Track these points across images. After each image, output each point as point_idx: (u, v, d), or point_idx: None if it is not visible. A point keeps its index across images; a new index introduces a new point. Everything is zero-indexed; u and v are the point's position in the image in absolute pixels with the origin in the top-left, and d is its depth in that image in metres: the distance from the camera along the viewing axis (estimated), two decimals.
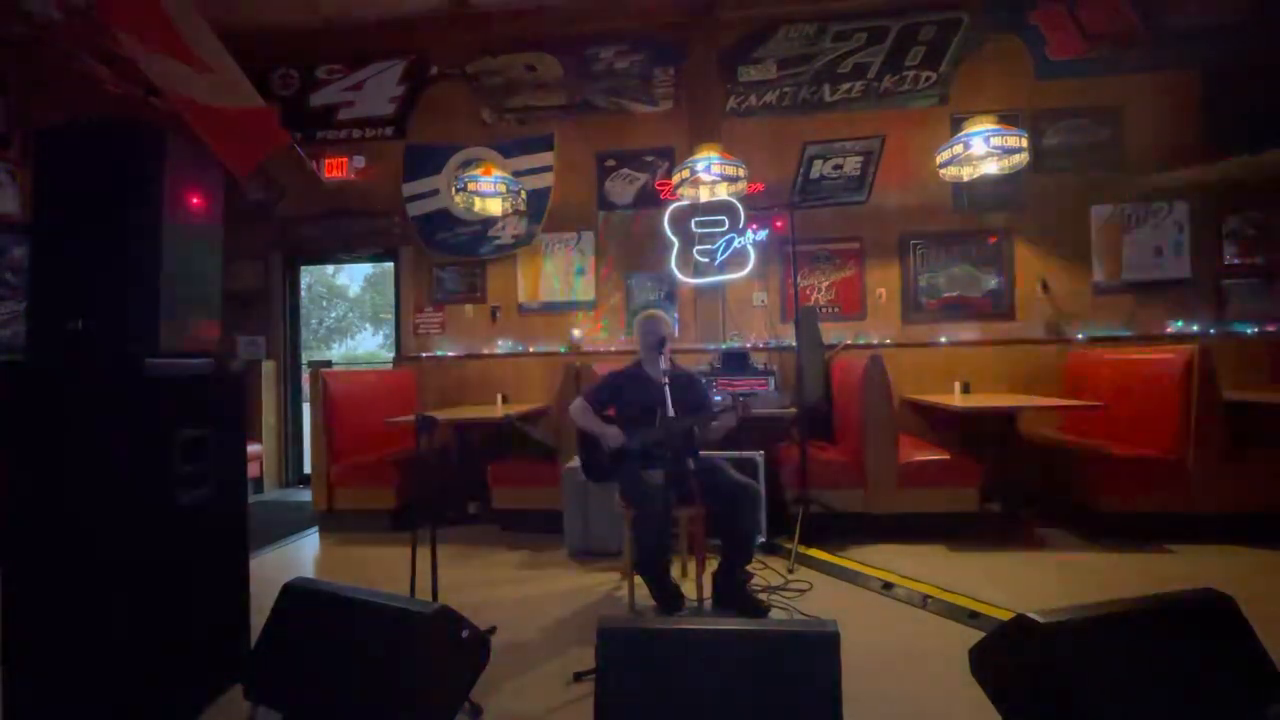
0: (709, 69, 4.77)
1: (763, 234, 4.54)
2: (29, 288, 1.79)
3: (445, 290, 5.08)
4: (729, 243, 4.61)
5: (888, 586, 2.77)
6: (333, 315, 24.02)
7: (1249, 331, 4.15)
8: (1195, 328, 4.21)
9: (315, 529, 4.01)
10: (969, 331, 4.46)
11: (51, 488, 1.69)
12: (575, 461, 3.02)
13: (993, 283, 4.48)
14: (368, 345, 24.24)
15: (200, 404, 1.92)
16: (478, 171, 4.33)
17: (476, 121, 5.06)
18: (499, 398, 4.61)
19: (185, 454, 1.85)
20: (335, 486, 3.99)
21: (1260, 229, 4.22)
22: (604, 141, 4.92)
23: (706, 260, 4.67)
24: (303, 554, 3.61)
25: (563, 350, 4.82)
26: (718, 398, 2.61)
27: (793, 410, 3.70)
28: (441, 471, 4.20)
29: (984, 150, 3.55)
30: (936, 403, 3.76)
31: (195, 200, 1.93)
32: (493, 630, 2.30)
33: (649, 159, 4.87)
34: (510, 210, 4.59)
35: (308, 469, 4.55)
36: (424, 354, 5.02)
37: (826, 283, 4.65)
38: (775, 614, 2.48)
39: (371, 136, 5.17)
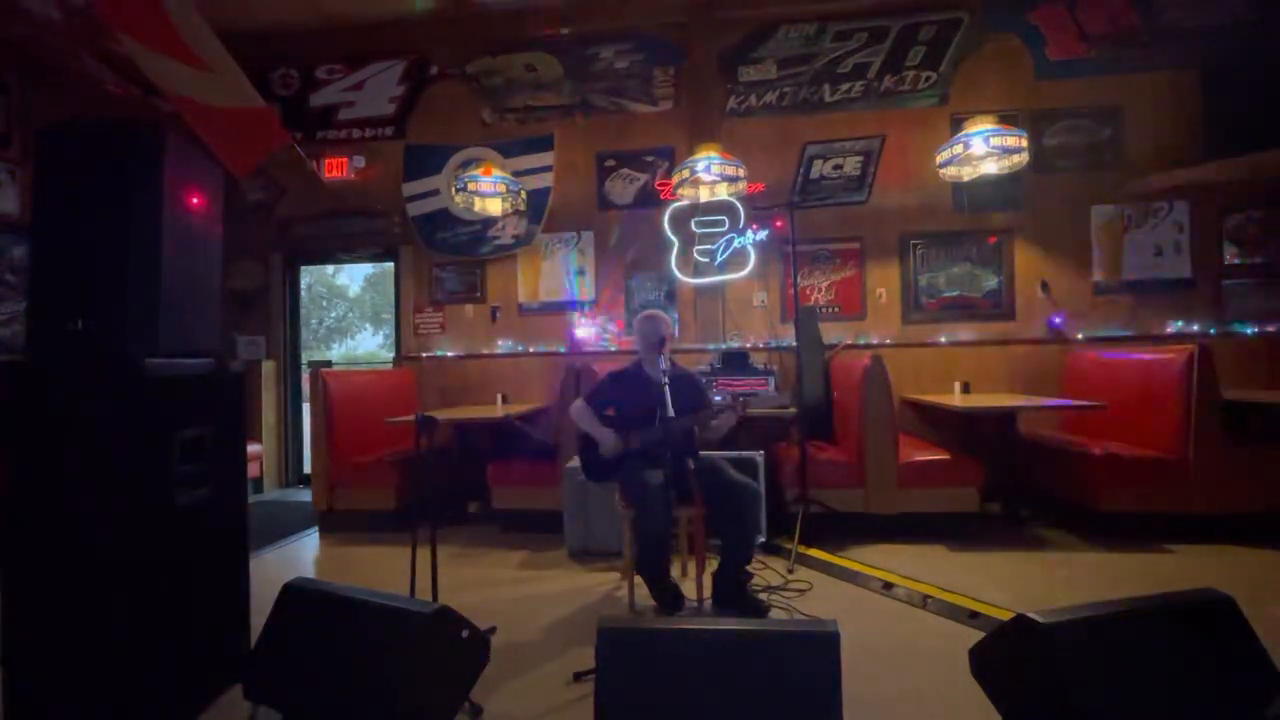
0: (709, 69, 4.77)
1: (763, 234, 4.54)
2: (29, 288, 1.79)
3: (445, 290, 5.08)
4: (729, 243, 4.61)
5: (888, 586, 2.77)
6: (333, 315, 24.03)
7: (1249, 331, 4.16)
8: (1195, 328, 4.21)
9: (315, 529, 4.01)
10: (969, 331, 4.46)
11: (51, 488, 1.69)
12: (575, 461, 3.02)
13: (993, 283, 4.48)
14: (368, 345, 24.27)
15: (200, 404, 1.92)
16: (478, 171, 4.33)
17: (476, 121, 5.06)
18: (499, 398, 4.61)
19: (185, 454, 1.85)
20: (335, 486, 3.99)
21: (1260, 229, 4.22)
22: (604, 141, 4.92)
23: (706, 260, 4.67)
24: (303, 554, 3.61)
25: (562, 350, 4.82)
26: (717, 398, 2.61)
27: (793, 410, 3.70)
28: (441, 471, 4.20)
29: (984, 150, 3.55)
30: (936, 403, 3.76)
31: (195, 200, 1.93)
32: (492, 630, 2.30)
33: (649, 159, 4.87)
34: (510, 210, 4.60)
35: (308, 469, 4.55)
36: (424, 354, 5.02)
37: (826, 283, 4.65)
38: (775, 614, 2.48)
39: (371, 136, 5.17)
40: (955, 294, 4.52)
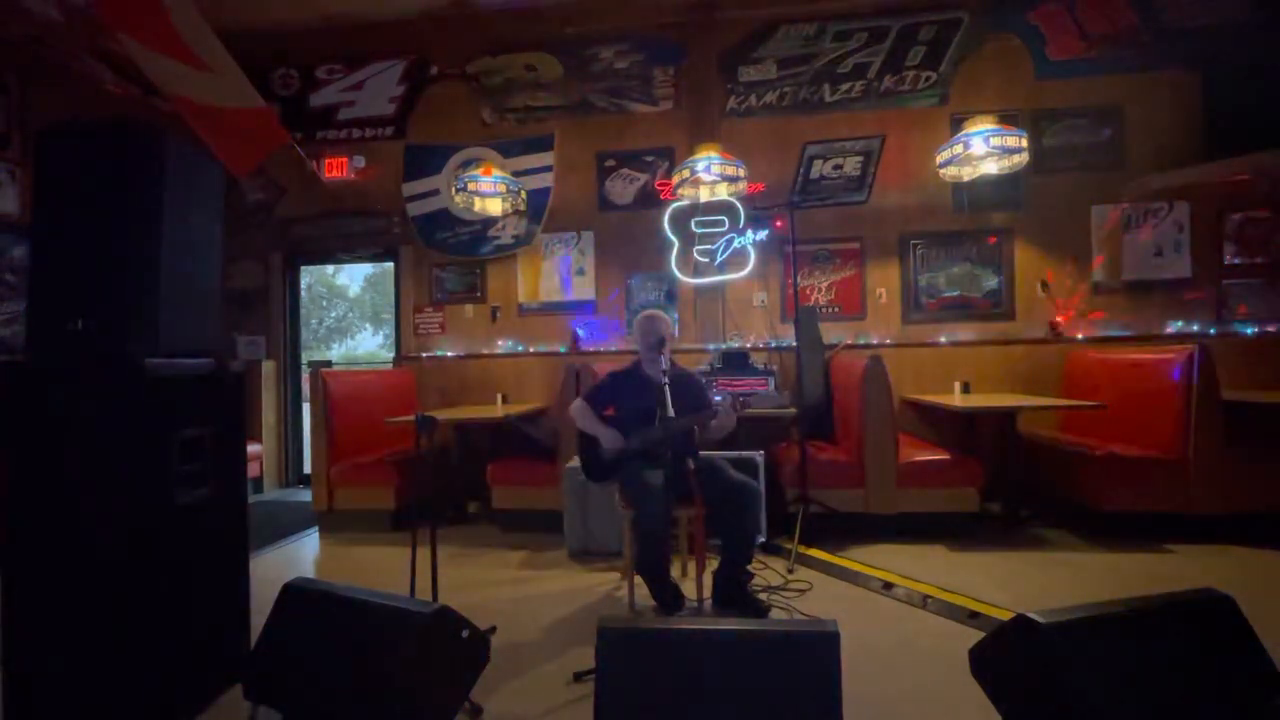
0: (709, 69, 4.77)
1: (763, 234, 4.54)
2: (29, 288, 1.79)
3: (445, 290, 5.08)
4: (729, 243, 4.61)
5: (888, 586, 2.77)
6: (333, 315, 24.02)
7: (1249, 331, 4.15)
8: (1195, 328, 4.21)
9: (315, 529, 4.01)
10: (969, 331, 4.46)
11: (51, 488, 1.69)
12: (575, 461, 3.02)
13: (993, 283, 4.48)
14: (368, 345, 24.26)
15: (200, 404, 1.92)
16: (478, 171, 4.33)
17: (476, 121, 5.06)
18: (499, 398, 4.61)
19: (185, 454, 1.85)
20: (335, 486, 3.99)
21: (1260, 229, 4.22)
22: (604, 141, 4.92)
23: (706, 260, 4.67)
24: (303, 554, 3.61)
25: (562, 350, 4.82)
26: (717, 398, 2.61)
27: (792, 410, 3.70)
28: (441, 471, 4.20)
29: (984, 150, 3.56)
30: (936, 403, 3.76)
31: (195, 200, 1.93)
32: (492, 630, 2.30)
33: (649, 159, 4.87)
34: (510, 210, 4.60)
35: (308, 469, 4.54)
36: (424, 354, 5.02)
37: (826, 283, 4.65)
38: (775, 614, 2.48)
39: (371, 136, 5.17)
40: (955, 294, 4.52)
